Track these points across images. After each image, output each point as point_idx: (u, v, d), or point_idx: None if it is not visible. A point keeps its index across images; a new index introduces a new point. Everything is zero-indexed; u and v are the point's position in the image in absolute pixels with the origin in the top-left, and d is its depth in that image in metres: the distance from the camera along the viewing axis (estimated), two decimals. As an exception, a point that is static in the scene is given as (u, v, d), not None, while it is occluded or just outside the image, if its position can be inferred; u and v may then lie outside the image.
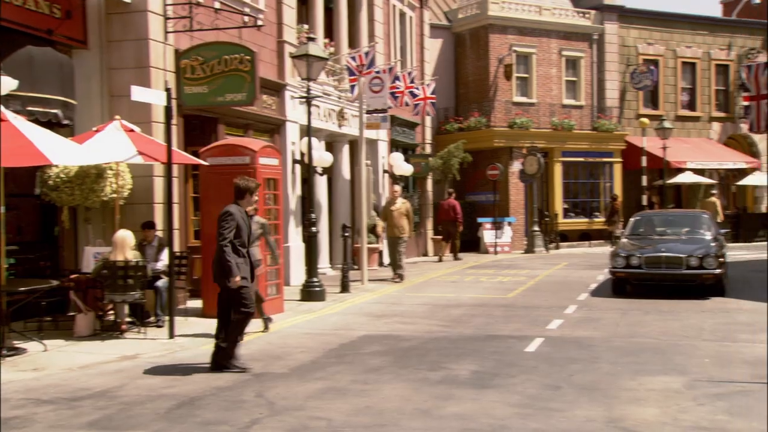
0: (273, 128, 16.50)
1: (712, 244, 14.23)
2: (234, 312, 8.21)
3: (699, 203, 29.32)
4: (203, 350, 9.18)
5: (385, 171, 22.22)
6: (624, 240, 15.44)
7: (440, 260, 22.84)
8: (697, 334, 10.30)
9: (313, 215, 14.34)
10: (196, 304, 12.39)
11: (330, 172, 19.43)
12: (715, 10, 51.41)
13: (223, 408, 6.84)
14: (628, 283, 14.40)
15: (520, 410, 6.77)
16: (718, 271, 13.51)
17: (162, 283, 10.91)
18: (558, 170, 28.43)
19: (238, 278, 8.01)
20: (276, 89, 16.46)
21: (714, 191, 27.60)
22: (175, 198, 11.59)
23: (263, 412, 6.69)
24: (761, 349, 9.26)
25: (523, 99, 28.19)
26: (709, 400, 6.99)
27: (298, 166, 17.12)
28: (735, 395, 7.14)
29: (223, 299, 8.33)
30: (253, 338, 10.12)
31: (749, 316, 11.79)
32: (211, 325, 9.18)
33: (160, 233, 11.55)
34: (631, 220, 16.48)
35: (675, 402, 6.94)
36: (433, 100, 22.56)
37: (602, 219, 28.09)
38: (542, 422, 6.40)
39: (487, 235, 25.53)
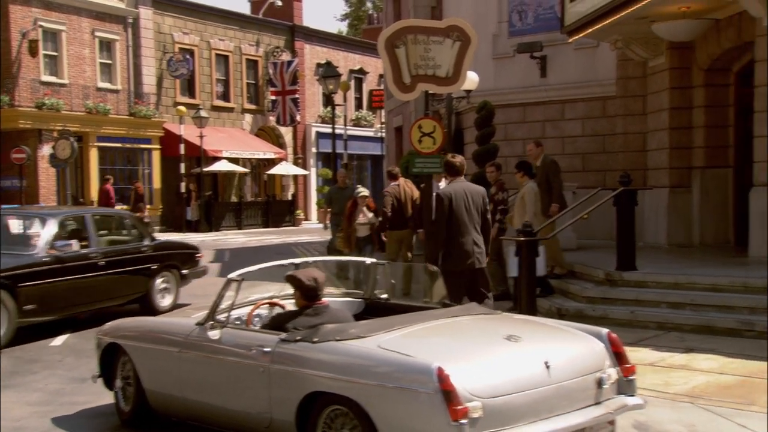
0: None
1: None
2: None
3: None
4: None
5: None
6: None
7: None
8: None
9: None
10: None
11: None
12: (245, 7, 54.38)
13: None
14: None
15: (40, 408, 6.32)
16: None
17: None
18: (94, 155, 27.28)
19: None
20: None
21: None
22: None
23: None
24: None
25: (53, 79, 26.35)
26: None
27: None
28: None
29: None
30: None
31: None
32: None
33: None
34: None
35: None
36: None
37: (129, 206, 27.55)
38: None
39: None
